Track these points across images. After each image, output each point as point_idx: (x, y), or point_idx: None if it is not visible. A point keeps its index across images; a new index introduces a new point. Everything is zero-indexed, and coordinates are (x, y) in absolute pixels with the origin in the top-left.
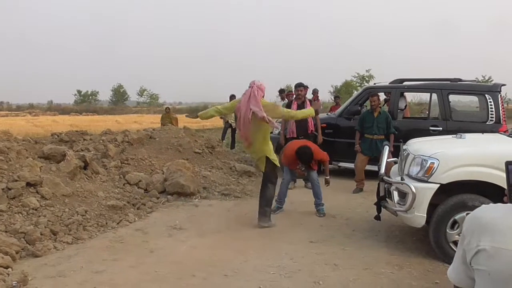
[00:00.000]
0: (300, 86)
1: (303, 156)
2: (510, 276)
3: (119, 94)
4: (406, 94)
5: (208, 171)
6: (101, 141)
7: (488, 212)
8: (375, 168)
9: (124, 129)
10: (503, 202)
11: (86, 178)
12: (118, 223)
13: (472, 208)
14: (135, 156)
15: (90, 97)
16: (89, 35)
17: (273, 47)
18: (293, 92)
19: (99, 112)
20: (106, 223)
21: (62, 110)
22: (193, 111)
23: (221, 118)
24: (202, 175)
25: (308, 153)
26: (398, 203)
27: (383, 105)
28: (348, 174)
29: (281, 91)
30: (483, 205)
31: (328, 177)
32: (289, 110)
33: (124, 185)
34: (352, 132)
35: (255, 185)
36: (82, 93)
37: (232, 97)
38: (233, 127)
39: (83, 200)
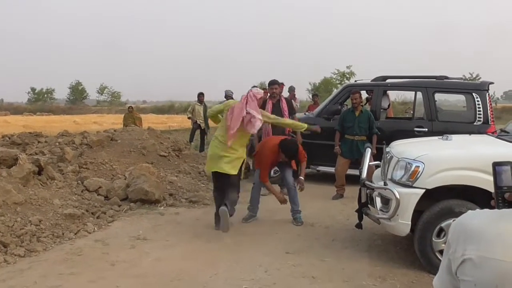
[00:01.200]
0: (275, 84)
1: (289, 147)
2: None
3: (77, 92)
4: (389, 92)
5: (175, 176)
6: (57, 143)
7: (474, 218)
8: (356, 172)
9: (82, 130)
10: (491, 208)
11: (41, 184)
12: (75, 234)
13: (459, 214)
14: (94, 160)
15: (45, 95)
16: (44, 25)
17: (246, 41)
18: (267, 90)
19: (55, 111)
20: (63, 234)
21: (14, 109)
22: (159, 111)
23: (188, 118)
24: (168, 181)
25: (294, 143)
26: (380, 210)
27: (365, 104)
28: (327, 179)
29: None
30: (469, 211)
31: (302, 178)
32: (283, 119)
33: (82, 191)
34: (332, 134)
35: None
36: (37, 90)
37: (200, 95)
38: (202, 128)
39: (37, 209)
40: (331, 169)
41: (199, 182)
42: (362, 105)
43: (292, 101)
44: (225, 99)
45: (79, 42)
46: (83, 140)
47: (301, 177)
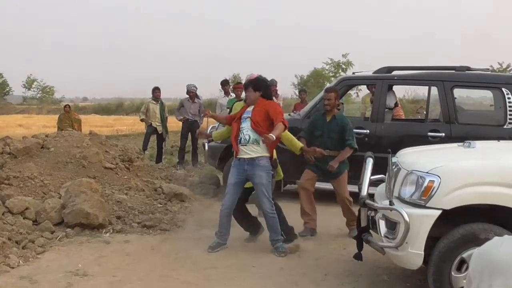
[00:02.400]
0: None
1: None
2: None
3: None
4: (396, 87)
5: (124, 194)
6: None
7: (502, 246)
8: (355, 189)
9: (4, 135)
10: None
11: None
12: None
13: (485, 242)
14: (20, 174)
15: None
16: None
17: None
18: (242, 85)
19: None
20: None
21: None
22: (104, 110)
23: (142, 120)
24: (116, 200)
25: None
26: (385, 237)
27: (368, 103)
28: (320, 197)
29: (224, 83)
30: (496, 238)
31: (273, 135)
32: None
33: (3, 214)
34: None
35: (189, 213)
36: None
37: (156, 90)
38: (159, 133)
39: None
40: (325, 185)
41: (155, 202)
42: (338, 109)
43: (274, 98)
44: (187, 95)
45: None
46: (4, 148)
47: (271, 134)
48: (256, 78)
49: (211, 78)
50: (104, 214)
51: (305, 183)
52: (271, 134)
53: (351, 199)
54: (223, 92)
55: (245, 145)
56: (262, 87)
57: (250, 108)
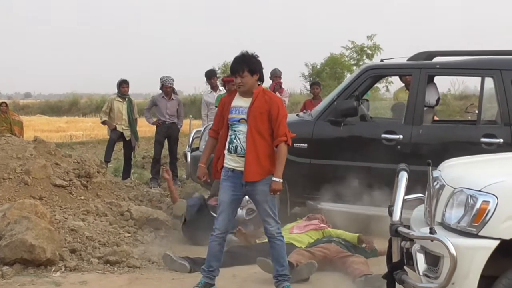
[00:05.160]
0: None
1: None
2: None
3: None
4: (438, 79)
5: (80, 220)
6: None
7: None
8: (383, 212)
9: None
10: None
11: None
12: None
13: None
14: None
15: None
16: None
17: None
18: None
19: None
20: None
21: None
22: (53, 110)
23: (103, 123)
24: (69, 228)
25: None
26: (425, 275)
27: (399, 97)
28: (335, 222)
29: (211, 75)
30: None
31: (277, 180)
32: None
33: None
34: (344, 149)
35: (166, 244)
36: None
37: (123, 84)
38: (127, 139)
39: None
40: (344, 207)
41: (121, 230)
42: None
43: (277, 94)
44: (161, 91)
45: None
46: None
47: (275, 178)
48: (250, 55)
49: (194, 68)
50: (54, 247)
51: None
52: (275, 178)
53: None
54: (209, 86)
55: (243, 156)
56: (260, 68)
57: (241, 102)
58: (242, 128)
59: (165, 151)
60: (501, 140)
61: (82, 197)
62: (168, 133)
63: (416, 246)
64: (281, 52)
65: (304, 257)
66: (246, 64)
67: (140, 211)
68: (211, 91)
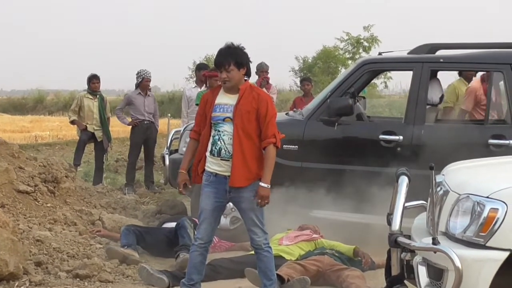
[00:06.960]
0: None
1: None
2: None
3: None
4: (442, 74)
5: (47, 230)
6: None
7: None
8: (381, 221)
9: None
10: None
11: None
12: None
13: None
14: None
15: None
16: None
17: None
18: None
19: None
20: None
21: None
22: (16, 108)
23: (72, 122)
24: (35, 238)
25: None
26: None
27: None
28: (330, 231)
29: (203, 66)
30: None
31: (264, 185)
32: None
33: None
34: (339, 151)
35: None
36: None
37: (93, 79)
38: (98, 140)
39: None
40: (337, 215)
41: (92, 241)
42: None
43: (264, 90)
44: (136, 87)
45: None
46: None
47: (262, 184)
48: (236, 47)
49: (172, 63)
50: (17, 259)
51: None
52: (262, 184)
53: None
54: (195, 79)
55: (228, 160)
56: (247, 61)
57: (226, 99)
58: (227, 128)
59: (141, 154)
60: (511, 142)
61: (48, 205)
62: (146, 135)
63: (417, 258)
64: (268, 44)
65: (295, 271)
66: (232, 56)
67: (113, 220)
68: (195, 86)
